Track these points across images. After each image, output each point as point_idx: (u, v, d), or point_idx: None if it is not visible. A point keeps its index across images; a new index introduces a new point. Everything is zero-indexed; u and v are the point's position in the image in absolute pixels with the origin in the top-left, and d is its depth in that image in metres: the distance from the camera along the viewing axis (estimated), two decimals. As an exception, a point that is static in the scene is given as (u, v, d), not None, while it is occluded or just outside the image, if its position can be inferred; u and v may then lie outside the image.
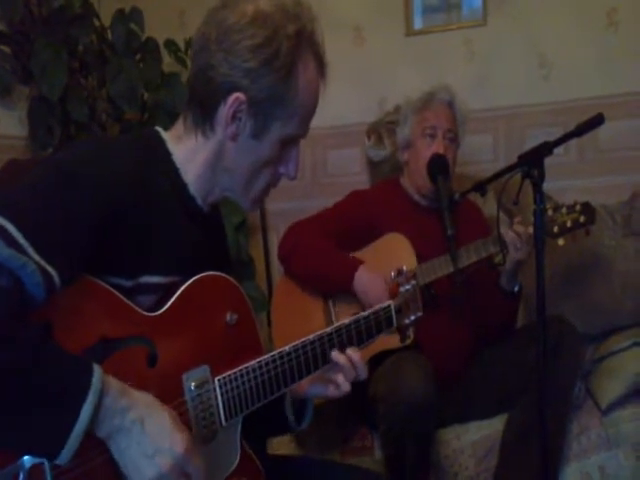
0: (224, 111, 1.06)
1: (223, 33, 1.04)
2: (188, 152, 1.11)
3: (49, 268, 0.86)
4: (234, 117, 1.06)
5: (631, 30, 2.62)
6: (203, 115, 1.08)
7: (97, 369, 0.87)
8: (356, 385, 1.29)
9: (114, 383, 0.89)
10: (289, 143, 1.11)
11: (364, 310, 1.29)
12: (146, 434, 0.90)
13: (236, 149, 1.09)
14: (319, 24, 1.09)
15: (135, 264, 1.02)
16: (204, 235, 1.15)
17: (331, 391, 1.24)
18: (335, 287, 2.02)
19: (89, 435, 0.86)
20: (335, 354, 1.20)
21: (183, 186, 1.11)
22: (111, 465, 0.93)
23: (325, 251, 2.03)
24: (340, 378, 1.21)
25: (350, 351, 1.21)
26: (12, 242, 0.84)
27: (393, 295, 1.34)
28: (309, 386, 1.25)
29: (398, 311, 1.33)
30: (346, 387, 1.22)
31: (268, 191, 1.17)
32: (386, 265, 1.71)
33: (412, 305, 1.37)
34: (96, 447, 0.90)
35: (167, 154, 1.10)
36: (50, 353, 0.85)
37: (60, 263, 0.88)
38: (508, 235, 1.88)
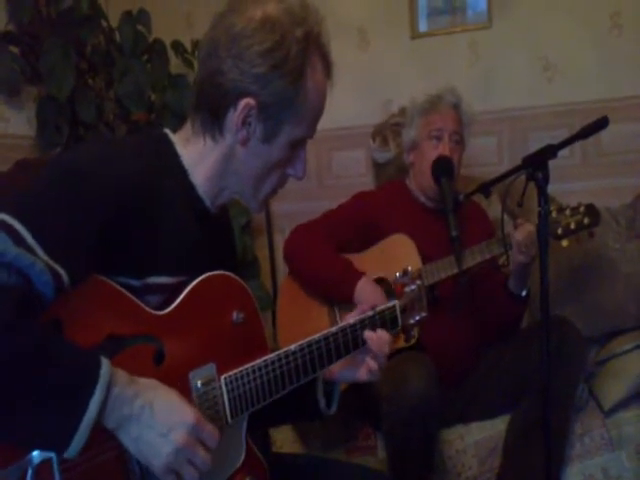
0: (234, 116, 1.06)
1: (232, 39, 1.04)
2: (196, 155, 1.11)
3: (58, 267, 0.87)
4: (244, 122, 1.07)
5: (635, 33, 2.63)
6: (212, 120, 1.09)
7: (105, 361, 0.88)
8: (360, 385, 1.30)
9: (121, 374, 0.90)
10: (297, 144, 1.12)
11: None
12: (156, 416, 0.91)
13: (246, 153, 1.10)
14: (325, 25, 1.10)
15: (143, 265, 1.03)
16: (212, 236, 1.16)
17: (362, 375, 1.26)
18: (336, 296, 2.02)
19: (97, 430, 0.87)
20: (368, 333, 1.24)
21: (191, 188, 1.12)
22: (119, 461, 0.94)
23: (328, 259, 2.03)
24: (372, 363, 1.25)
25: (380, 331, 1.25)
26: (20, 241, 0.85)
27: (398, 295, 1.35)
28: (339, 371, 1.27)
29: (403, 311, 1.34)
30: (377, 374, 1.26)
31: (276, 192, 1.18)
32: (391, 266, 1.72)
33: (417, 305, 1.38)
34: (104, 443, 0.91)
35: (175, 156, 1.11)
36: (58, 346, 0.86)
37: (68, 263, 0.89)
38: (514, 237, 1.89)
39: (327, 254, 2.04)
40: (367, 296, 1.93)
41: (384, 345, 1.24)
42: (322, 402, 1.27)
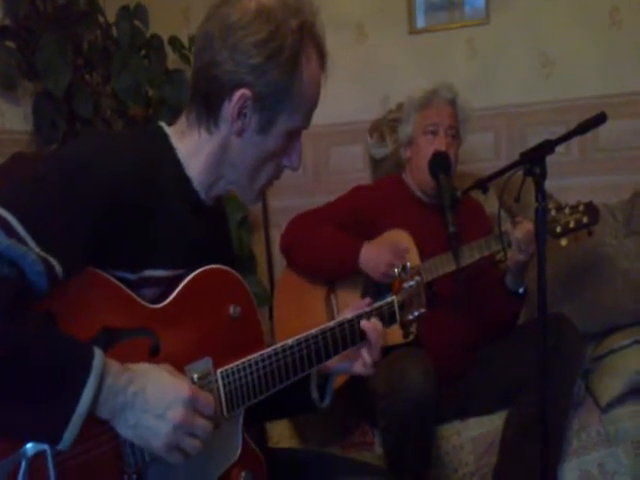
0: (229, 108, 1.06)
1: (226, 30, 1.04)
2: (192, 147, 1.11)
3: (50, 258, 0.87)
4: (240, 113, 1.07)
5: (633, 29, 2.62)
6: (207, 111, 1.09)
7: (98, 352, 0.88)
8: (357, 381, 1.30)
9: (114, 364, 0.90)
10: (292, 135, 1.12)
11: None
12: (149, 400, 0.91)
13: (241, 144, 1.10)
14: (320, 16, 1.10)
15: (139, 258, 1.03)
16: (207, 228, 1.16)
17: (357, 367, 1.27)
18: (341, 269, 2.02)
19: (92, 422, 0.87)
20: (364, 323, 1.24)
21: (187, 180, 1.12)
22: (114, 453, 0.94)
23: (327, 236, 2.04)
24: (367, 357, 1.25)
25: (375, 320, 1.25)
26: (12, 233, 0.85)
27: (397, 291, 1.35)
28: (335, 363, 1.27)
29: (401, 307, 1.34)
30: (372, 368, 1.26)
31: (271, 183, 1.18)
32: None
33: (416, 301, 1.37)
34: (99, 435, 0.92)
35: (171, 149, 1.11)
36: (51, 337, 0.86)
37: (61, 254, 0.88)
38: (513, 236, 1.88)
39: (324, 232, 2.05)
40: (373, 260, 1.93)
41: (379, 336, 1.25)
42: (315, 394, 1.27)
